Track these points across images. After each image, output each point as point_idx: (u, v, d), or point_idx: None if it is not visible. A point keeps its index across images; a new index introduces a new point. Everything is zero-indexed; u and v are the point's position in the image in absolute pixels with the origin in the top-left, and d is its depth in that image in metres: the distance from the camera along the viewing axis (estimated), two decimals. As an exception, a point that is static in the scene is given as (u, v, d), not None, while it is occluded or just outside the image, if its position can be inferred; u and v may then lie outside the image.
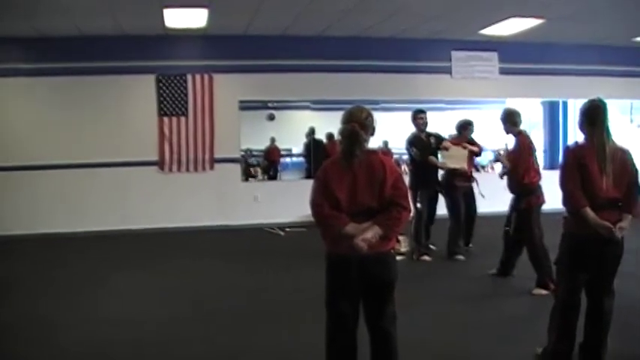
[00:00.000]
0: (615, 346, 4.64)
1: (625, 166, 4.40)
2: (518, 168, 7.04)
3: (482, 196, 8.96)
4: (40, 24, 10.29)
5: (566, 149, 4.67)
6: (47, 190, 11.41)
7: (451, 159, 8.78)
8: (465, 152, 8.89)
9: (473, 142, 9.10)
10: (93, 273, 8.38)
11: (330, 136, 13.14)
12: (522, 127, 7.34)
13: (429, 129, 8.92)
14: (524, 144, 7.13)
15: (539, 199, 7.06)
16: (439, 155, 8.92)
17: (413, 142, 8.83)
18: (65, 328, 5.97)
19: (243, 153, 13.04)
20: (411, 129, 8.95)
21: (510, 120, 7.20)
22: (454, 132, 9.31)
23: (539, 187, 7.09)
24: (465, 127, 9.11)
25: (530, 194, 7.02)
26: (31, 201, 11.34)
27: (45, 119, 11.48)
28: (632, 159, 4.47)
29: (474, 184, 9.11)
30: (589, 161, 4.33)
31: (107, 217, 11.57)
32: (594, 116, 4.42)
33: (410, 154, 8.93)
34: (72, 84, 11.45)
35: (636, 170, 4.47)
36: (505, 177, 7.32)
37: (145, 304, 6.86)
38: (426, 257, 8.75)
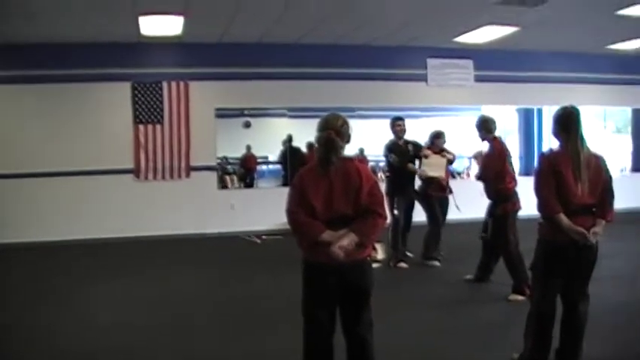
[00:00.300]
0: (591, 350, 4.67)
1: (599, 173, 4.44)
2: (489, 172, 7.08)
3: (459, 209, 8.98)
4: (13, 31, 10.20)
5: (541, 156, 4.71)
6: (20, 198, 11.28)
7: (430, 167, 8.80)
8: (444, 160, 8.94)
9: (445, 151, 9.13)
10: (67, 281, 8.31)
11: (310, 145, 13.10)
12: (497, 133, 7.38)
13: (407, 136, 8.95)
14: (497, 149, 7.17)
15: (515, 205, 7.11)
16: (417, 163, 8.92)
17: (391, 148, 8.84)
18: (47, 335, 5.93)
19: (220, 161, 13.01)
20: (387, 136, 8.97)
21: (485, 127, 7.25)
22: (426, 142, 9.33)
23: (515, 194, 7.13)
24: (437, 137, 9.13)
25: (506, 200, 7.06)
26: (4, 210, 11.18)
27: (19, 128, 11.36)
28: (606, 165, 4.52)
29: (450, 196, 9.14)
30: (564, 168, 4.36)
31: (82, 226, 11.46)
32: (568, 123, 4.45)
33: (388, 161, 8.94)
34: (47, 92, 11.36)
35: (610, 176, 4.52)
36: (480, 181, 7.35)
37: (124, 312, 6.79)
38: (403, 264, 8.76)
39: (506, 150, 7.30)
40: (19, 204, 11.26)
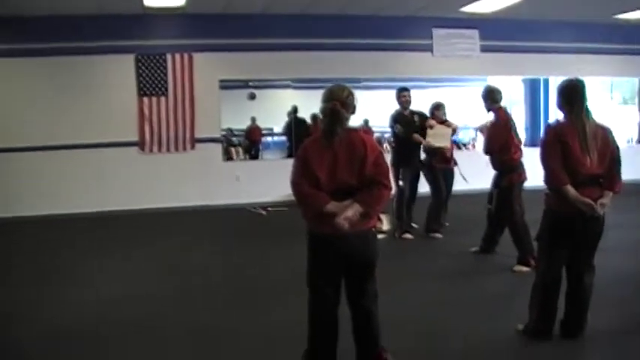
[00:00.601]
0: (595, 321, 4.68)
1: (607, 143, 4.42)
2: (494, 143, 7.05)
3: (465, 180, 8.96)
4: (16, 3, 10.13)
5: (547, 127, 4.69)
6: (25, 172, 11.27)
7: (435, 137, 8.77)
8: (449, 131, 8.94)
9: (445, 122, 9.10)
10: (72, 254, 8.34)
11: (314, 117, 13.05)
12: (503, 104, 7.34)
13: (412, 107, 8.91)
14: (503, 119, 7.13)
15: (521, 176, 7.08)
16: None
17: (397, 119, 8.82)
18: (51, 309, 5.94)
19: (224, 133, 12.98)
20: (393, 107, 8.94)
21: (491, 97, 7.21)
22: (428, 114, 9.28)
23: (520, 164, 7.10)
24: (436, 108, 9.11)
25: (511, 171, 7.02)
26: (8, 183, 11.20)
27: (22, 101, 11.32)
28: (612, 136, 4.50)
29: (455, 168, 9.12)
30: (570, 139, 4.34)
31: (87, 199, 11.47)
32: (572, 96, 4.44)
33: (394, 131, 8.92)
34: (50, 65, 11.31)
35: (617, 147, 4.50)
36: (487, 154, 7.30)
37: (129, 285, 6.79)
38: (408, 235, 8.75)
39: (512, 120, 7.27)
40: (24, 177, 11.26)
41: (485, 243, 7.61)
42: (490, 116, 7.28)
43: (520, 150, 7.15)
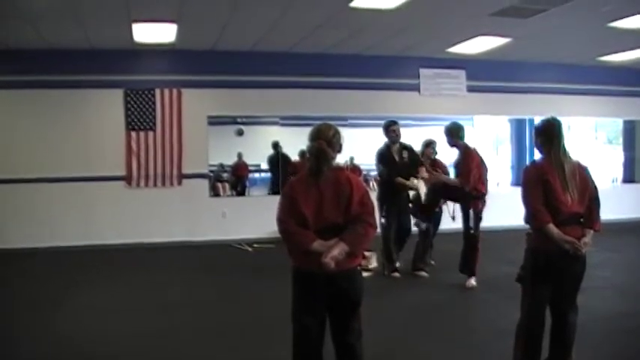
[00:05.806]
0: (580, 360, 4.69)
1: (586, 182, 4.46)
2: (466, 175, 7.74)
3: (453, 218, 8.95)
4: (6, 37, 10.20)
5: (529, 165, 4.73)
6: (12, 204, 11.26)
7: (423, 187, 8.62)
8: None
9: (436, 162, 9.12)
10: (57, 288, 8.26)
11: (302, 153, 13.06)
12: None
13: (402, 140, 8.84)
14: (467, 154, 7.84)
15: (483, 206, 7.91)
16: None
17: (382, 159, 8.74)
18: (27, 343, 5.88)
19: (214, 168, 12.99)
20: (378, 145, 8.89)
21: (455, 133, 7.93)
22: (419, 150, 9.25)
23: (483, 196, 7.88)
24: (428, 145, 9.14)
25: (478, 199, 7.81)
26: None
27: (8, 133, 11.33)
28: (590, 175, 4.54)
29: (444, 206, 9.09)
30: (551, 177, 4.37)
31: (73, 232, 11.43)
32: (550, 135, 4.48)
33: (379, 169, 8.90)
34: (39, 97, 11.35)
35: (595, 186, 4.54)
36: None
37: (107, 319, 6.75)
38: (396, 273, 8.73)
39: (479, 155, 7.98)
40: (10, 210, 11.23)
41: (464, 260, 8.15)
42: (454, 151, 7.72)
43: (485, 186, 7.90)
